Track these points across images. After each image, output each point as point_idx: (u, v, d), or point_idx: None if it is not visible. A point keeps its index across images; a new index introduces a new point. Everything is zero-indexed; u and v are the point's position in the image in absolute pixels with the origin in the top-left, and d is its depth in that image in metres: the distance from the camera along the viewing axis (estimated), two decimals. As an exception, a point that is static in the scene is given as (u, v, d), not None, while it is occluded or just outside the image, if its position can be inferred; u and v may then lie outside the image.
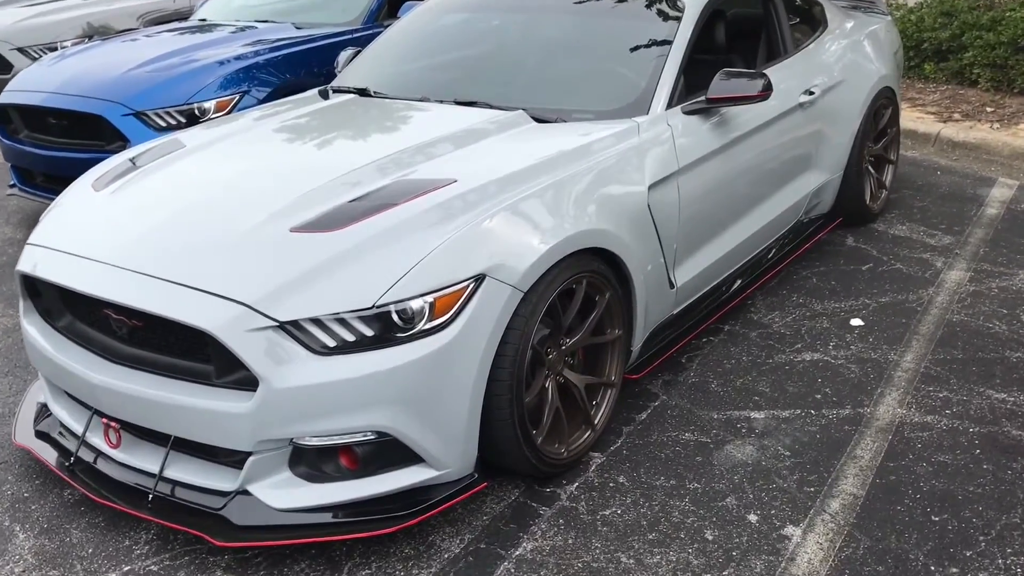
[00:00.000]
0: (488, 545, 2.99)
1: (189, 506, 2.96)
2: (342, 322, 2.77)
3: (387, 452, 2.88)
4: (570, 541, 3.00)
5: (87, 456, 3.21)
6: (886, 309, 4.51)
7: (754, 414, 3.68)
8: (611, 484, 3.28)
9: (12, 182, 6.21)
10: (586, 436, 3.41)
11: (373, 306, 2.75)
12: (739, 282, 4.41)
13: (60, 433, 3.37)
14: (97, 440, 3.18)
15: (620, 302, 3.44)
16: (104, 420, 3.10)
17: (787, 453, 3.42)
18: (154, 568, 2.94)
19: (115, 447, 3.13)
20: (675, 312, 3.93)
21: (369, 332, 2.77)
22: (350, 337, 2.77)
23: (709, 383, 3.91)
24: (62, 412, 3.37)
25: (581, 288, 3.25)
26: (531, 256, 2.98)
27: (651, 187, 3.55)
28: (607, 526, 3.07)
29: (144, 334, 3.00)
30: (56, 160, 5.77)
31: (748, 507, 3.13)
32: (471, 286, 2.87)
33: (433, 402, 2.84)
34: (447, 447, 2.91)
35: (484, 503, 3.20)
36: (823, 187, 4.99)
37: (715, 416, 3.67)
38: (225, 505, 2.90)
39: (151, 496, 2.97)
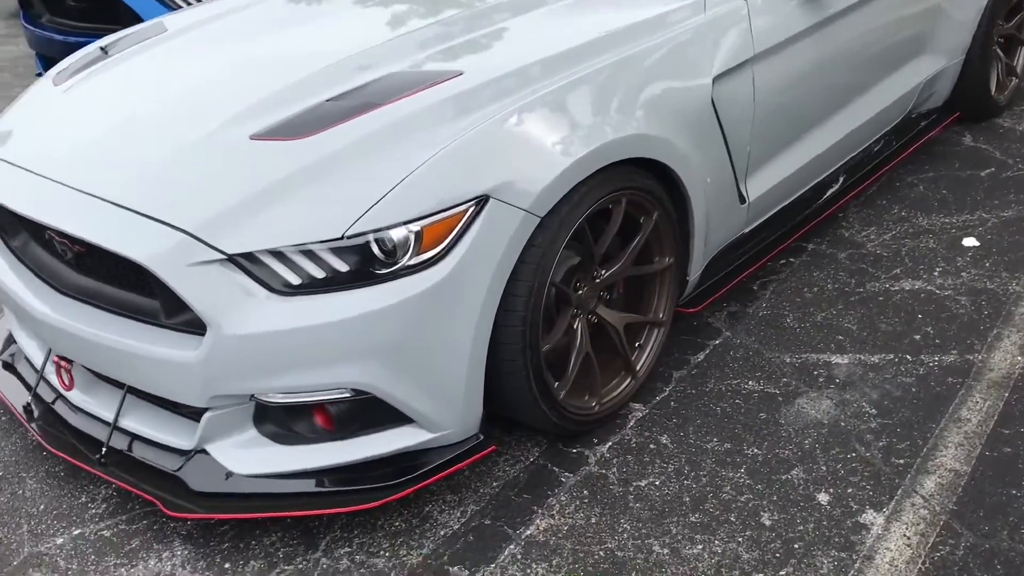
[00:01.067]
0: (494, 521, 2.48)
1: (147, 464, 2.51)
2: (309, 255, 2.22)
3: (369, 412, 2.36)
4: (593, 520, 2.46)
5: (48, 395, 2.79)
6: (1009, 226, 3.73)
7: (836, 358, 3.03)
8: (651, 446, 2.71)
9: (39, 71, 5.82)
10: (625, 385, 2.83)
11: (343, 236, 2.19)
12: (832, 189, 3.69)
13: (26, 365, 2.96)
14: (54, 378, 2.75)
15: (672, 224, 2.80)
16: (55, 358, 2.66)
17: (873, 412, 2.78)
18: (106, 533, 2.53)
19: (68, 389, 2.69)
20: (746, 231, 3.26)
21: (343, 267, 2.22)
22: (319, 273, 2.23)
23: (784, 317, 3.26)
24: (24, 340, 2.95)
25: (620, 208, 2.62)
26: (551, 171, 2.36)
27: (717, 79, 2.84)
28: (641, 501, 2.51)
29: (90, 261, 2.51)
30: (75, 46, 5.29)
31: (819, 483, 2.53)
32: (470, 211, 2.28)
33: (423, 354, 2.30)
34: (442, 406, 2.38)
35: (496, 465, 2.68)
36: (939, 75, 4.15)
37: (787, 360, 3.03)
38: (182, 466, 2.44)
39: (103, 450, 2.54)
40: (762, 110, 3.05)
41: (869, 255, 3.59)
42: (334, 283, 2.24)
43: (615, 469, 2.63)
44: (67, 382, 2.67)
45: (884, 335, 3.13)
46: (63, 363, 2.64)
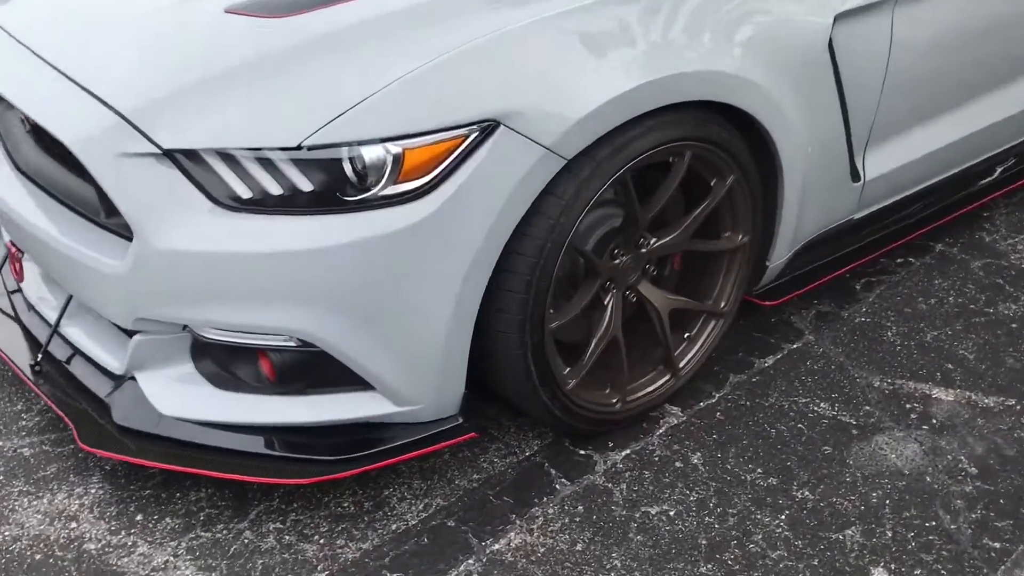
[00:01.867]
0: (459, 524, 2.02)
1: (81, 385, 2.15)
2: (267, 164, 1.77)
3: (320, 368, 1.91)
4: (579, 546, 1.97)
5: (10, 283, 2.47)
6: None
7: (938, 392, 2.40)
8: (677, 464, 2.18)
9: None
10: (661, 383, 2.29)
11: (300, 146, 1.73)
12: (985, 181, 2.99)
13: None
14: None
15: (753, 194, 2.22)
16: (8, 243, 2.32)
17: (972, 470, 2.16)
18: (26, 452, 2.20)
19: (20, 279, 2.35)
20: (856, 217, 2.63)
21: (306, 186, 1.77)
22: (275, 189, 1.78)
23: (884, 329, 2.63)
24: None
25: (682, 163, 2.06)
26: (589, 101, 1.83)
27: (842, 17, 2.21)
28: (644, 533, 2.00)
29: (46, 137, 2.13)
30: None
31: (878, 554, 1.96)
32: (472, 137, 1.77)
33: (389, 309, 1.83)
34: (411, 376, 1.91)
35: (483, 454, 2.20)
36: None
37: (875, 384, 2.43)
38: (111, 393, 2.07)
39: (39, 356, 2.18)
40: (899, 67, 2.39)
41: (1011, 269, 2.89)
42: (291, 204, 1.78)
43: (624, 486, 2.12)
44: (18, 272, 2.32)
45: (1008, 373, 2.47)
46: (15, 250, 2.30)
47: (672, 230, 2.18)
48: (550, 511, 2.05)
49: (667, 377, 2.30)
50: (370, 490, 2.10)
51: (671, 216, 2.22)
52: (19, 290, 2.42)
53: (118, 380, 2.06)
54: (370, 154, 1.74)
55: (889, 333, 2.62)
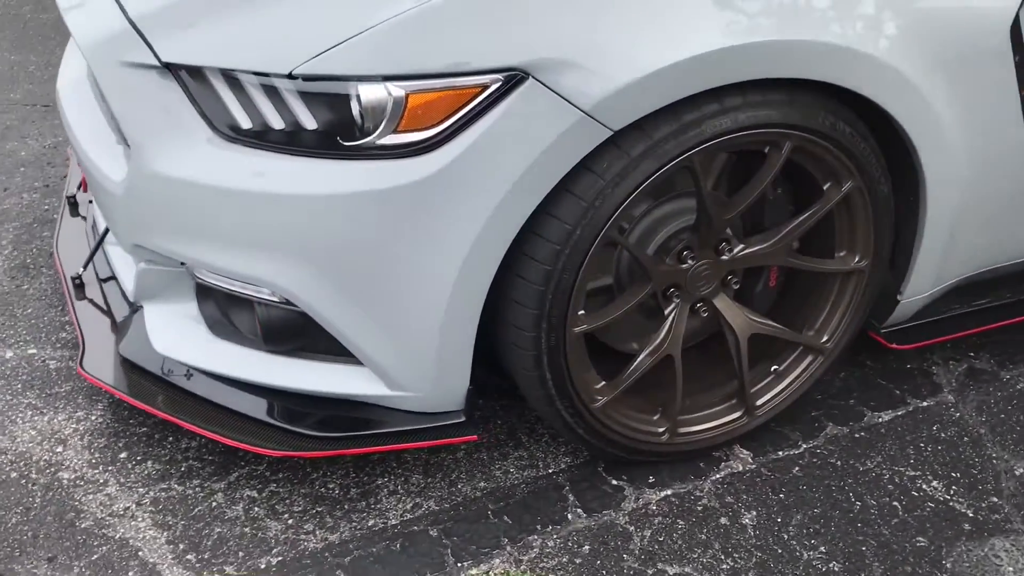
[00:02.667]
0: (443, 536, 1.75)
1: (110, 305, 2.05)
2: (273, 93, 1.55)
3: (308, 332, 1.69)
4: (566, 596, 1.65)
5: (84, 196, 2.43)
6: None
7: (1101, 499, 1.86)
8: (723, 520, 1.79)
9: None
10: (729, 420, 1.91)
11: (291, 74, 1.49)
12: None
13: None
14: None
15: (879, 208, 1.77)
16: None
17: (1115, 612, 1.64)
18: (52, 364, 2.14)
19: (84, 191, 2.30)
20: (1042, 256, 2.09)
21: (310, 122, 1.53)
22: (277, 123, 1.55)
23: (1051, 404, 2.09)
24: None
25: (778, 156, 1.66)
26: (650, 59, 1.47)
27: (1040, -3, 1.71)
28: (652, 598, 1.65)
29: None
30: None
31: None
32: (493, 88, 1.47)
33: (377, 278, 1.58)
34: (402, 357, 1.66)
35: (503, 461, 1.92)
36: None
37: (1018, 470, 1.91)
38: (125, 320, 1.95)
39: (82, 270, 2.11)
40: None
41: None
42: (291, 143, 1.56)
43: (648, 532, 1.76)
44: (86, 185, 2.26)
45: None
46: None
47: (766, 238, 1.78)
48: (550, 544, 1.74)
49: (738, 414, 1.90)
50: (363, 475, 1.87)
51: (770, 221, 1.82)
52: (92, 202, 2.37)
53: (133, 308, 1.94)
54: (369, 94, 1.47)
55: (1056, 410, 2.07)
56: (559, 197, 1.55)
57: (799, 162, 1.71)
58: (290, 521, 1.77)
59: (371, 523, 1.77)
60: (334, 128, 1.52)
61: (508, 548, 1.72)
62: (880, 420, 2.04)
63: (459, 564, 1.69)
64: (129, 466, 1.88)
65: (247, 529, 1.75)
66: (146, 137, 1.64)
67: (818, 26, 1.56)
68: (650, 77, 1.47)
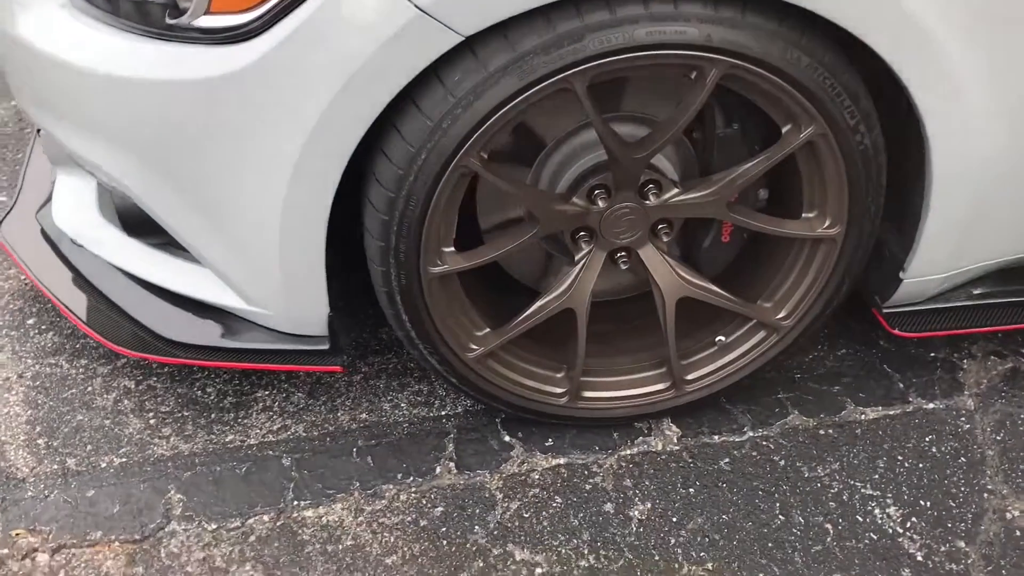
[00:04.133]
0: (293, 467, 1.60)
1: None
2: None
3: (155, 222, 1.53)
4: (388, 560, 1.46)
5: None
6: None
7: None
8: (607, 507, 1.53)
9: None
10: (651, 391, 1.62)
11: (99, -68, 1.28)
12: None
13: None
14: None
15: (856, 163, 1.37)
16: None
17: None
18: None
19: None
20: None
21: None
22: (122, -13, 1.36)
23: (1099, 434, 1.64)
24: None
25: (702, 86, 1.29)
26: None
27: None
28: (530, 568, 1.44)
29: None
30: None
31: None
32: (312, -31, 1.20)
33: (205, 177, 1.38)
34: (245, 269, 1.48)
35: (398, 394, 1.73)
36: None
37: (1015, 512, 1.52)
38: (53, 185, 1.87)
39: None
40: None
41: None
42: (130, 18, 1.35)
43: (516, 505, 1.53)
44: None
45: None
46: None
47: (703, 185, 1.43)
48: (402, 497, 1.55)
49: (663, 385, 1.60)
50: (246, 384, 1.73)
51: (721, 165, 1.46)
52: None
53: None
54: (177, -37, 1.24)
55: (1101, 443, 1.62)
56: (405, 111, 1.28)
57: (746, 96, 1.33)
58: (152, 421, 1.67)
59: (229, 439, 1.64)
60: (157, 2, 1.30)
61: (356, 494, 1.55)
62: (861, 418, 1.67)
63: (296, 502, 1.54)
64: (31, 334, 1.83)
65: (107, 422, 1.67)
66: (15, -2, 1.49)
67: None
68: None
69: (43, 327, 1.85)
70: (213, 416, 1.68)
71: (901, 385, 1.73)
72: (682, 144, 1.51)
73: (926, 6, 1.23)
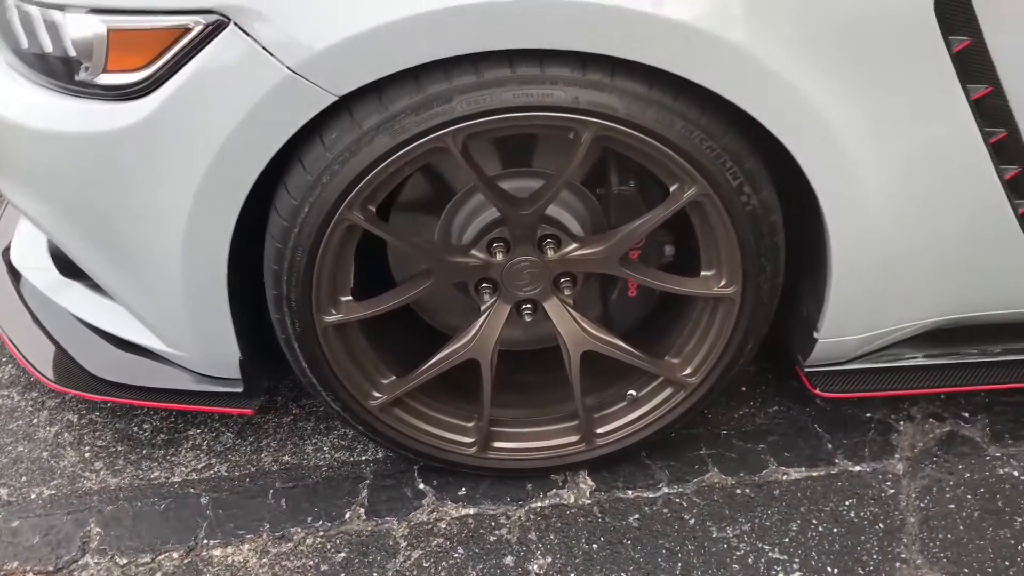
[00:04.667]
0: (210, 506, 1.64)
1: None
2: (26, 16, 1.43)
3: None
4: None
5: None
6: None
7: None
8: (507, 560, 1.53)
9: None
10: (563, 443, 1.62)
11: (13, -3, 1.36)
12: None
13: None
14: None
15: (744, 223, 1.37)
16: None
17: None
18: None
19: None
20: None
21: (49, 48, 1.39)
22: (47, 44, 1.43)
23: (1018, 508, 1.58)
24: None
25: (578, 146, 1.31)
26: (366, 14, 1.19)
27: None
28: (376, 629, 1.45)
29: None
30: None
31: None
32: (197, 31, 1.26)
33: (113, 227, 1.44)
34: (157, 312, 1.53)
35: (324, 437, 1.76)
36: None
37: (920, 585, 1.47)
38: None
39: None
40: None
41: None
42: (50, 73, 1.43)
43: (418, 553, 1.54)
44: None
45: None
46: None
47: (600, 240, 1.44)
48: (309, 541, 1.57)
49: (574, 439, 1.60)
50: (180, 422, 1.78)
51: (619, 221, 1.47)
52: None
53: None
54: (75, 25, 1.31)
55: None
56: (291, 166, 1.32)
57: (631, 159, 1.35)
58: (87, 454, 1.73)
59: (155, 475, 1.69)
60: (66, 61, 1.37)
61: (265, 536, 1.58)
62: (782, 478, 1.64)
63: (206, 541, 1.58)
64: (-4, 362, 1.92)
65: (45, 454, 1.74)
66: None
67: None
68: (364, 37, 1.19)
69: (2, 359, 1.93)
70: (144, 452, 1.73)
71: (830, 446, 1.70)
72: (588, 200, 1.52)
73: (792, 67, 1.22)
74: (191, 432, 1.77)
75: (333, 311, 1.43)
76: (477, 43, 1.19)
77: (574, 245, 1.45)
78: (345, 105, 1.26)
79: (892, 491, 1.61)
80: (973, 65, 1.26)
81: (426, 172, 1.52)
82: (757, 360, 1.85)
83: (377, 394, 1.52)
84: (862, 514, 1.58)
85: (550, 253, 1.45)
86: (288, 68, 1.22)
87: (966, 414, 1.74)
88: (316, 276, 1.38)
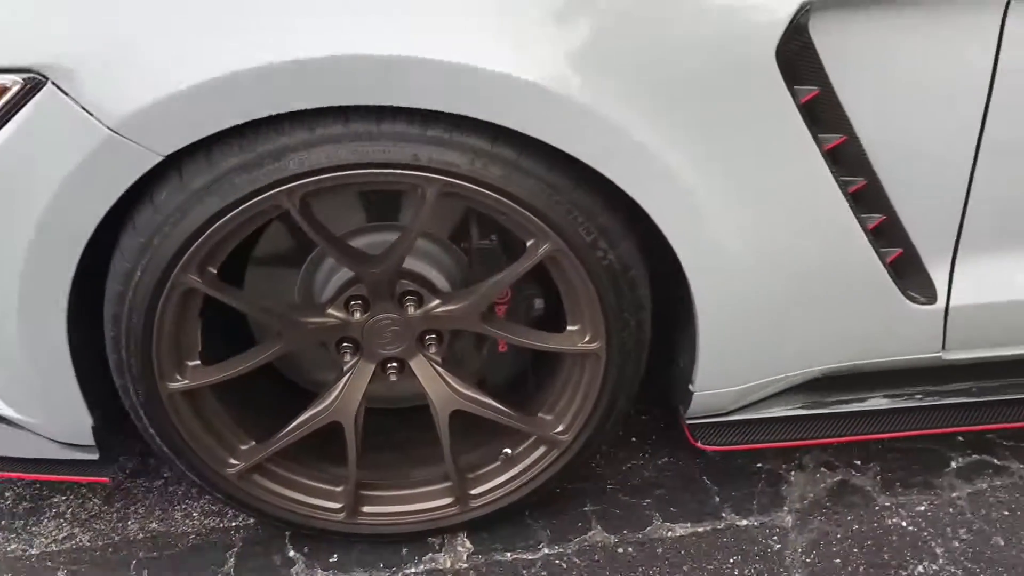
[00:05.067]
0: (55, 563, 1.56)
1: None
2: None
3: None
4: None
5: None
6: None
7: None
8: (374, 631, 1.46)
9: None
10: (436, 506, 1.56)
11: None
12: None
13: None
14: None
15: (600, 282, 1.32)
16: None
17: None
18: None
19: None
20: (946, 358, 1.53)
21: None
22: None
23: (923, 551, 1.54)
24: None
25: (423, 203, 1.26)
26: (185, 72, 1.13)
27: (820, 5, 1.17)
28: None
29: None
30: None
31: None
32: (15, 90, 1.19)
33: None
34: (3, 377, 1.44)
35: (196, 502, 1.68)
36: None
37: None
38: None
39: None
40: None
41: None
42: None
43: (280, 627, 1.47)
44: None
45: None
46: None
47: (460, 297, 1.39)
48: (163, 612, 1.49)
49: (447, 501, 1.54)
50: (45, 489, 1.70)
51: (480, 277, 1.42)
52: None
53: None
54: None
55: (926, 567, 1.52)
56: (125, 227, 1.26)
57: (485, 212, 1.30)
58: (-55, 521, 1.65)
59: (11, 547, 1.61)
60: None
61: (113, 611, 1.50)
62: (666, 535, 1.59)
63: (58, 619, 1.50)
64: None
65: (-102, 522, 1.65)
66: None
67: (449, 43, 1.13)
68: (185, 94, 1.13)
69: None
70: (3, 523, 1.64)
71: (717, 499, 1.65)
72: (456, 255, 1.47)
73: (638, 122, 1.18)
74: (55, 499, 1.68)
75: (179, 377, 1.36)
76: (296, 101, 1.14)
77: (437, 301, 1.39)
78: (174, 164, 1.21)
79: (778, 546, 1.57)
80: (824, 115, 1.23)
81: (287, 225, 1.47)
82: (648, 409, 1.82)
83: (234, 461, 1.45)
84: (746, 571, 1.53)
85: (411, 310, 1.39)
86: (108, 128, 1.16)
87: (858, 462, 1.71)
88: (156, 342, 1.31)
